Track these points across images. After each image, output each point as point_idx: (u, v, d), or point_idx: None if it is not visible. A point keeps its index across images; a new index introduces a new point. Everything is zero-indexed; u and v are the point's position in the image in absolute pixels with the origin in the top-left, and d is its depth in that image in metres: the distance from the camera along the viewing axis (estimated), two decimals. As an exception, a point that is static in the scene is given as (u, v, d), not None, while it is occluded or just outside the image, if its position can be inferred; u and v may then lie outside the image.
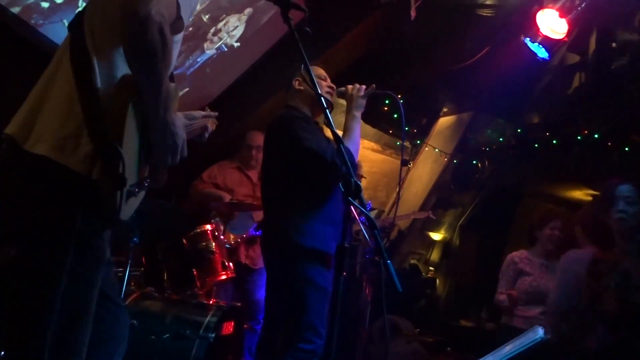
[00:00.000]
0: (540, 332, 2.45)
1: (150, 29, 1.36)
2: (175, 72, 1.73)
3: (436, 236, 7.24)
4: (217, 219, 3.74)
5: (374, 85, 2.70)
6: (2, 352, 1.57)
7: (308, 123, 2.60)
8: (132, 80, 1.47)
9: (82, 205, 1.40)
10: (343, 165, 1.59)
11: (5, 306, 1.46)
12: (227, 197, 3.92)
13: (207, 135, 1.95)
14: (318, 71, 2.76)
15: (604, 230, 2.75)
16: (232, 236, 3.87)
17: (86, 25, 1.51)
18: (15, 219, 1.47)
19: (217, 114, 2.00)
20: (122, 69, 1.48)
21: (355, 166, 2.57)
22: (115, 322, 1.68)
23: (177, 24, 1.53)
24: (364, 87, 2.68)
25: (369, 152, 6.60)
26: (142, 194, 1.62)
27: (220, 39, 4.19)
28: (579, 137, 5.84)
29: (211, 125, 1.97)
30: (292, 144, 2.52)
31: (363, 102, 2.67)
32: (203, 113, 1.95)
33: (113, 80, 1.47)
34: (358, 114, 2.66)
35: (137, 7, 1.36)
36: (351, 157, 2.50)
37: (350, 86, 2.70)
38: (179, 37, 1.61)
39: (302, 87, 2.69)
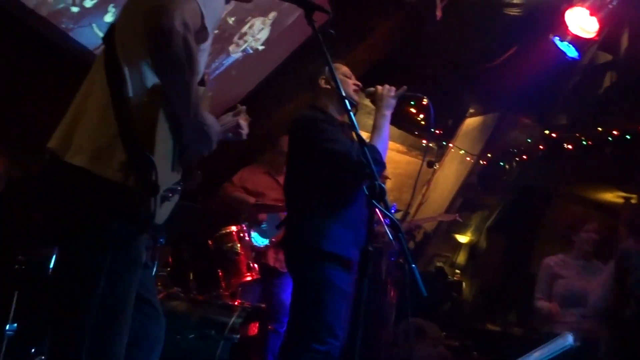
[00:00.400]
0: (570, 339, 2.40)
1: (175, 41, 1.39)
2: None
3: (462, 238, 7.16)
4: (247, 223, 3.77)
5: (405, 86, 2.67)
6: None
7: (332, 124, 2.57)
8: (162, 88, 1.51)
9: (118, 213, 1.46)
10: (367, 167, 1.58)
11: (46, 308, 1.53)
12: (252, 200, 3.95)
13: (244, 131, 1.96)
14: (342, 69, 2.71)
15: None
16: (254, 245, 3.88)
17: (117, 37, 1.56)
18: (57, 227, 1.56)
19: (245, 107, 2.01)
20: (153, 78, 1.52)
21: (384, 164, 2.53)
22: (151, 324, 1.72)
23: (201, 34, 1.55)
24: (394, 88, 2.66)
25: (394, 154, 6.55)
26: (176, 197, 1.66)
27: (246, 42, 4.22)
28: (609, 138, 5.71)
29: (243, 121, 1.98)
30: (314, 147, 2.50)
31: (393, 102, 2.64)
32: (232, 113, 1.97)
33: (144, 90, 1.51)
34: (388, 113, 2.62)
35: (160, 20, 1.39)
36: (379, 155, 2.46)
37: (379, 86, 2.67)
38: (206, 45, 1.63)
39: (328, 86, 2.65)
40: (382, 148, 2.54)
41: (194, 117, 1.53)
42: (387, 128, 2.61)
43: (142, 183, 1.44)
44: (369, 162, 1.58)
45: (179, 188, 1.65)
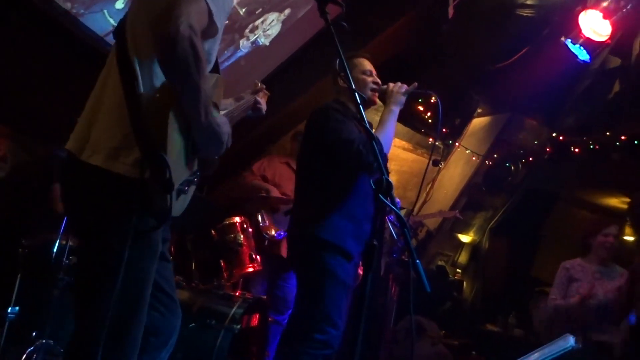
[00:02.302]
0: (571, 340, 2.39)
1: (181, 45, 1.41)
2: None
3: (465, 238, 7.14)
4: (263, 212, 3.78)
5: (415, 83, 2.66)
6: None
7: (344, 115, 2.57)
8: (171, 87, 1.53)
9: (136, 207, 1.49)
10: (375, 162, 1.57)
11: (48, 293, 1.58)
12: (274, 191, 3.97)
13: (262, 108, 1.98)
14: (364, 66, 2.71)
15: None
16: (274, 228, 3.90)
17: (128, 34, 1.57)
18: (78, 223, 1.62)
19: (264, 86, 2.03)
20: (159, 75, 1.54)
21: (386, 157, 2.54)
22: (170, 315, 1.78)
23: (210, 29, 1.57)
24: (405, 85, 2.65)
25: (400, 151, 6.54)
26: (193, 188, 1.70)
27: (256, 35, 4.21)
28: (617, 143, 5.67)
29: (262, 98, 1.99)
30: (321, 133, 2.53)
31: (403, 99, 2.64)
32: (250, 91, 1.99)
33: (155, 86, 1.54)
34: (396, 109, 2.62)
35: (166, 26, 1.41)
36: (381, 149, 2.47)
37: (391, 83, 2.67)
38: (217, 36, 1.65)
39: (345, 85, 2.65)
40: (384, 142, 2.54)
41: (204, 117, 1.55)
42: (392, 123, 2.61)
43: (157, 181, 1.47)
44: (377, 157, 1.57)
45: (195, 179, 1.68)
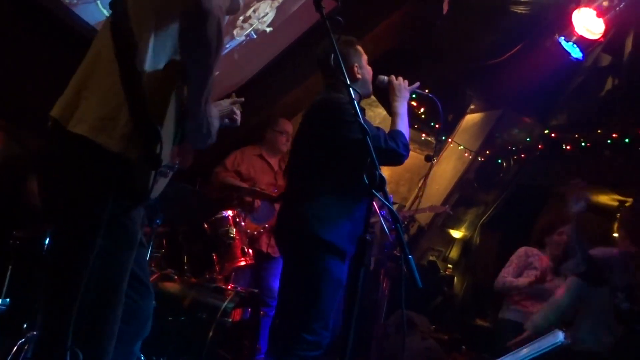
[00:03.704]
0: (560, 336, 2.42)
1: (211, 23, 1.42)
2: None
3: (456, 234, 7.17)
4: (240, 209, 3.77)
5: (418, 82, 2.67)
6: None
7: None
8: (179, 67, 1.51)
9: (114, 185, 1.43)
10: (368, 157, 1.57)
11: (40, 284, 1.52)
12: (245, 186, 3.96)
13: (237, 119, 2.00)
14: (365, 55, 2.69)
15: None
16: (253, 226, 3.90)
17: (130, 8, 1.53)
18: (54, 197, 1.53)
19: (242, 99, 2.03)
20: (169, 53, 1.51)
21: (408, 148, 2.53)
22: (143, 302, 1.73)
23: (232, 6, 1.61)
24: (407, 81, 2.66)
25: (392, 146, 6.53)
26: (170, 174, 1.67)
27: (251, 25, 4.19)
28: (609, 141, 5.71)
29: (238, 109, 2.00)
30: (339, 131, 2.42)
31: (408, 94, 2.65)
32: (230, 101, 1.99)
33: (157, 63, 1.50)
34: (406, 102, 2.64)
35: (200, 1, 1.41)
36: (406, 140, 2.52)
37: (393, 76, 2.66)
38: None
39: (359, 76, 2.62)
40: (407, 131, 2.56)
41: (203, 104, 1.54)
42: (406, 114, 2.62)
43: (145, 154, 1.42)
44: (371, 153, 1.57)
45: (176, 166, 1.66)
